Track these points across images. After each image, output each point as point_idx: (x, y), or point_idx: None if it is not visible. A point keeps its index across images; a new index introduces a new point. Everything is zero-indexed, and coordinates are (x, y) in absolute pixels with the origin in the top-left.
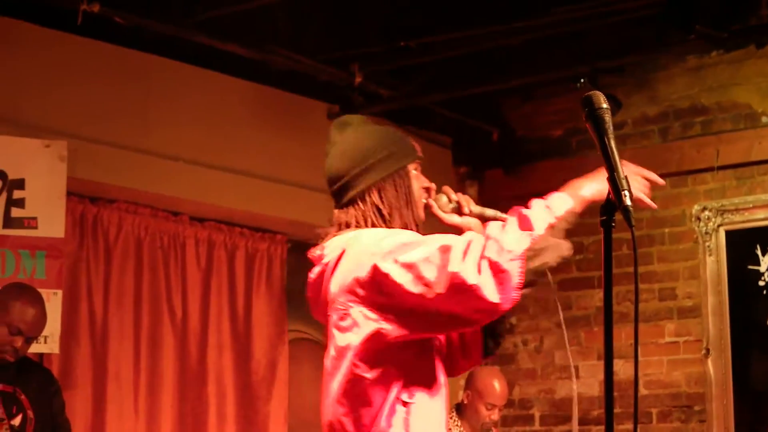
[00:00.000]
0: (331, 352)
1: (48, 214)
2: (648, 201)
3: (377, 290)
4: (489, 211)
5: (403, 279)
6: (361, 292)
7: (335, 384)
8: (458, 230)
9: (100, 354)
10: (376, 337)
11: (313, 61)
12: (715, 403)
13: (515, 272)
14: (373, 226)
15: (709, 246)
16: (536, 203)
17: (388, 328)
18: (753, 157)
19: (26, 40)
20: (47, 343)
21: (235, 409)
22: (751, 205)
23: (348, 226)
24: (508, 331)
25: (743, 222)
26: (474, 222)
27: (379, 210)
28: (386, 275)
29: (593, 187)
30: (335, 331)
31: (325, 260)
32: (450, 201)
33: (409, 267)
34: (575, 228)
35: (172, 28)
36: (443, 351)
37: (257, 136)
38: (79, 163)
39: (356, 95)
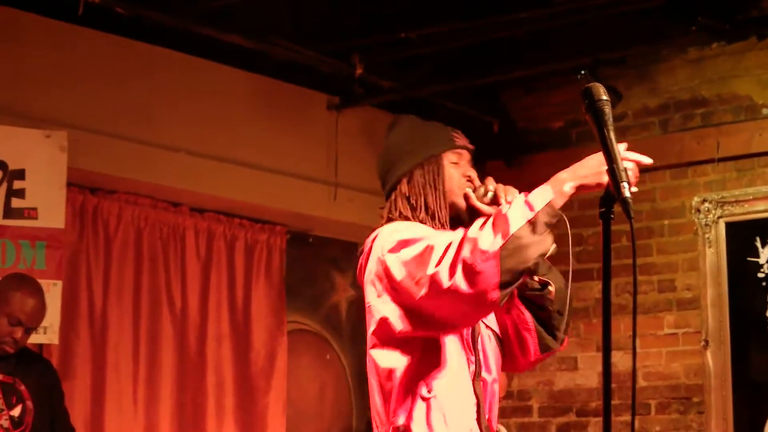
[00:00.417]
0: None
1: (48, 204)
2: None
3: (387, 284)
4: None
5: (401, 275)
6: (377, 283)
7: (368, 373)
8: None
9: (99, 345)
10: (384, 325)
11: (314, 52)
12: (714, 395)
13: (490, 272)
14: (402, 215)
15: (708, 238)
16: (516, 199)
17: (395, 320)
18: (753, 149)
19: (27, 31)
20: (47, 334)
21: (234, 400)
22: (751, 197)
23: (382, 218)
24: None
25: (743, 214)
26: None
27: (408, 199)
28: (389, 270)
29: (576, 176)
30: (367, 320)
31: (361, 253)
32: (487, 191)
33: (405, 264)
34: (574, 220)
35: (173, 18)
36: (487, 343)
37: (257, 127)
38: (79, 154)
39: (357, 86)
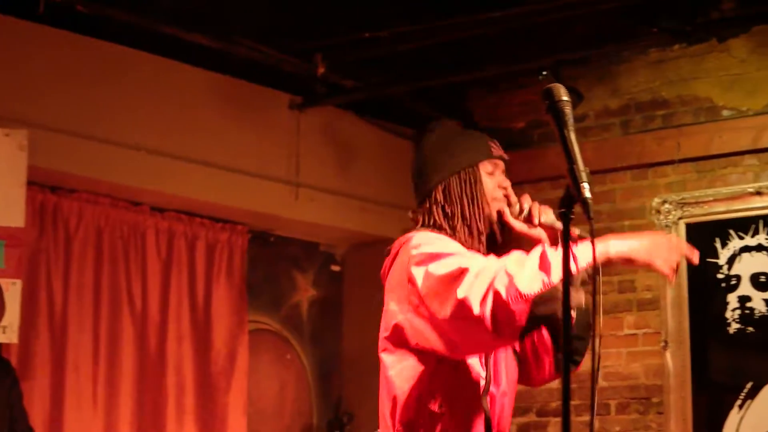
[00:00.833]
0: None
1: (8, 203)
2: (667, 273)
3: (409, 294)
4: (559, 224)
5: (425, 290)
6: (399, 290)
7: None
8: (527, 240)
9: (59, 344)
10: (399, 333)
11: (276, 52)
12: (673, 395)
13: (519, 315)
14: (435, 224)
15: None
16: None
17: (410, 332)
18: (713, 150)
19: None
20: (6, 333)
21: (194, 400)
22: (711, 199)
23: (415, 223)
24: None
25: (703, 215)
26: (543, 233)
27: (443, 208)
28: (414, 280)
29: (630, 248)
30: (382, 321)
31: (388, 253)
32: (522, 209)
33: (432, 280)
34: None
35: (135, 17)
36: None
37: (219, 126)
38: (39, 153)
39: (319, 86)
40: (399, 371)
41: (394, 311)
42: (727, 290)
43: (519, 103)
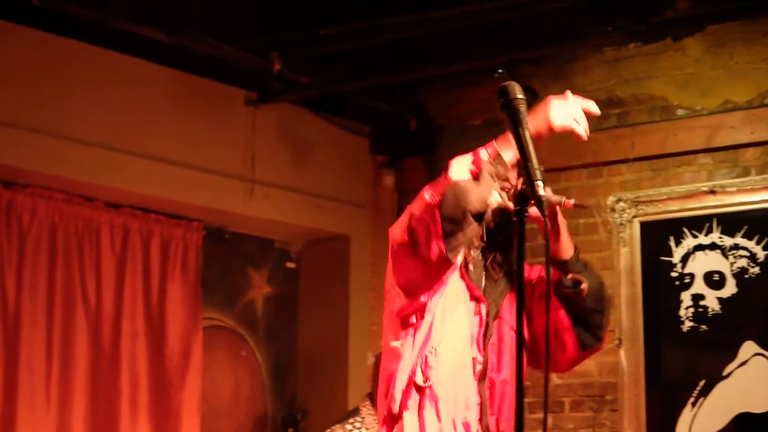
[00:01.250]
0: None
1: None
2: (578, 130)
3: None
4: (556, 198)
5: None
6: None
7: None
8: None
9: (11, 341)
10: (388, 306)
11: (232, 48)
12: (627, 393)
13: (430, 220)
14: None
15: (623, 237)
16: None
17: (390, 298)
18: (668, 149)
19: None
20: None
21: (148, 397)
22: (665, 197)
23: None
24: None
25: (657, 213)
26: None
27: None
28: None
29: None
30: None
31: None
32: (516, 190)
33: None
34: None
35: (90, 11)
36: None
37: (175, 122)
38: None
39: (275, 83)
40: (390, 349)
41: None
42: (681, 288)
43: (475, 101)
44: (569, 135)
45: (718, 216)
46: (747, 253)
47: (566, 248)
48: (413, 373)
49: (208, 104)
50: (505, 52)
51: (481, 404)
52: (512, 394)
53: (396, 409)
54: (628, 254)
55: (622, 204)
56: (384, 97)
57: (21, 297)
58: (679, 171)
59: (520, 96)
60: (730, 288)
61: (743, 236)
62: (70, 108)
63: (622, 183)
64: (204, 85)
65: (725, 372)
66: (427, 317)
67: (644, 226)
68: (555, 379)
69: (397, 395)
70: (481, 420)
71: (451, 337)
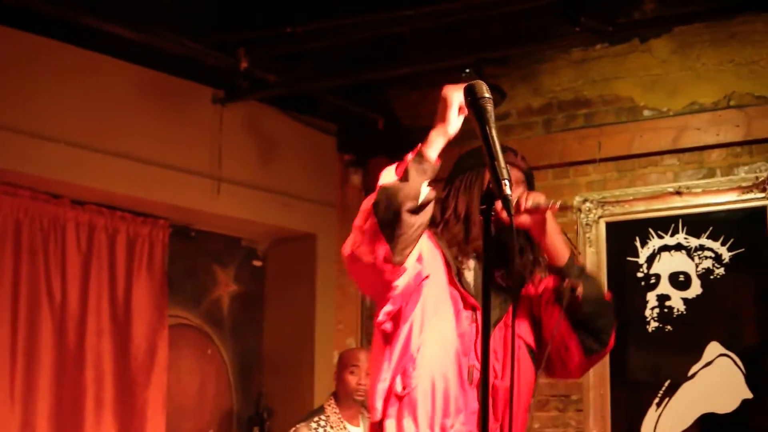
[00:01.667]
0: None
1: None
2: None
3: None
4: (545, 202)
5: None
6: None
7: None
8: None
9: None
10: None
11: (199, 45)
12: (592, 393)
13: (370, 227)
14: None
15: (589, 237)
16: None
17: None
18: (634, 150)
19: None
20: None
21: (114, 395)
22: (631, 198)
23: None
24: None
25: (623, 214)
26: (528, 218)
27: (441, 202)
28: None
29: (438, 127)
30: None
31: None
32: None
33: None
34: None
35: (57, 8)
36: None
37: (141, 119)
38: None
39: (242, 80)
40: (376, 357)
41: None
42: (647, 289)
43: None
44: (536, 135)
45: (683, 217)
46: (712, 254)
47: (561, 253)
48: (393, 382)
49: (175, 102)
50: (473, 52)
51: (480, 411)
52: (518, 400)
53: (377, 417)
54: (594, 254)
55: (588, 204)
56: (351, 96)
57: None
58: (646, 172)
59: (487, 95)
60: (696, 289)
61: (708, 237)
62: (36, 105)
63: (588, 183)
64: (171, 83)
65: (690, 372)
66: (405, 327)
67: (610, 226)
68: None
69: (378, 404)
70: (479, 426)
71: (431, 345)
